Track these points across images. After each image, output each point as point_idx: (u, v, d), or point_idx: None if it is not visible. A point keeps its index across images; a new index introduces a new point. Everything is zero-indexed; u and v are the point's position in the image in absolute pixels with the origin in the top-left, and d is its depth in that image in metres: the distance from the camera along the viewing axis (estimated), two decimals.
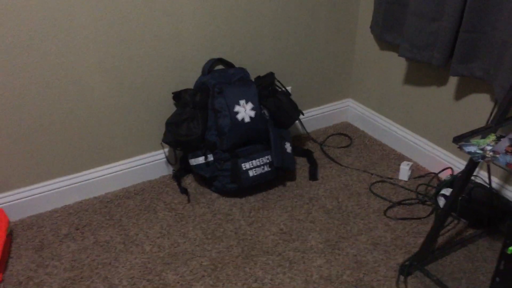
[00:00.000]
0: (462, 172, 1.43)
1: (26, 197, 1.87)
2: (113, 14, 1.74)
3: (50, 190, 1.91)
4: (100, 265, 1.67)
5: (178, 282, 1.59)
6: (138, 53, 1.85)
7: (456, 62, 1.77)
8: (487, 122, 1.74)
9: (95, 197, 2.00)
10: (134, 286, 1.58)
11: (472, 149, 1.31)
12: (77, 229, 1.83)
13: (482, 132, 1.39)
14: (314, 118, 2.46)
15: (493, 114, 1.68)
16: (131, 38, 1.81)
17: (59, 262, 1.68)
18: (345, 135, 2.46)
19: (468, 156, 1.36)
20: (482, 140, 1.35)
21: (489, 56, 1.71)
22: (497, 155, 1.28)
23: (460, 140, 1.35)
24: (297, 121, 2.21)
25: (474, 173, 1.85)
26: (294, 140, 2.34)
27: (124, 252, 1.72)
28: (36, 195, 1.88)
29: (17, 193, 1.85)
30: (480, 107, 1.86)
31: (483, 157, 1.29)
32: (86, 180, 1.97)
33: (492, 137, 1.36)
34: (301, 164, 2.22)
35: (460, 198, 1.76)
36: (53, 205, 1.94)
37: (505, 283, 1.26)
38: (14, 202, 1.85)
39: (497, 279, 1.27)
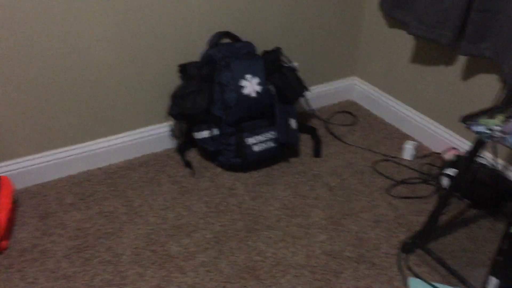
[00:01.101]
0: (468, 151, 1.43)
1: (31, 166, 1.87)
2: None
3: (55, 159, 1.91)
4: (104, 234, 1.68)
5: (181, 254, 1.61)
6: (145, 24, 1.83)
7: (466, 41, 1.76)
8: (494, 102, 1.73)
9: (99, 168, 2.01)
10: (138, 256, 1.60)
11: (481, 128, 1.31)
12: (81, 199, 1.84)
13: (491, 112, 1.38)
14: (319, 95, 2.45)
15: (501, 95, 1.67)
16: (138, 8, 1.79)
17: (64, 230, 1.69)
18: (350, 113, 2.45)
19: (475, 137, 1.35)
20: (490, 120, 1.35)
21: (499, 37, 1.69)
22: (506, 136, 1.28)
23: (468, 119, 1.35)
24: (302, 98, 2.20)
25: (479, 154, 1.85)
26: (298, 117, 2.33)
27: (128, 223, 1.73)
28: (41, 164, 1.89)
29: (22, 162, 1.86)
30: (487, 88, 1.85)
31: (491, 137, 1.29)
32: (90, 151, 1.97)
33: (501, 117, 1.36)
34: (305, 141, 2.21)
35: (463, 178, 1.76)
36: (58, 175, 1.94)
37: (508, 262, 1.28)
38: (19, 170, 1.85)
39: (500, 258, 1.28)
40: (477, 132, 1.30)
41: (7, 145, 1.81)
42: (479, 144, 1.39)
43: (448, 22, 1.80)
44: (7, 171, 1.84)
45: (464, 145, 2.00)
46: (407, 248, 1.61)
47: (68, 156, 1.93)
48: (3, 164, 1.83)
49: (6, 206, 1.64)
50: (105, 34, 1.78)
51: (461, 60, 1.92)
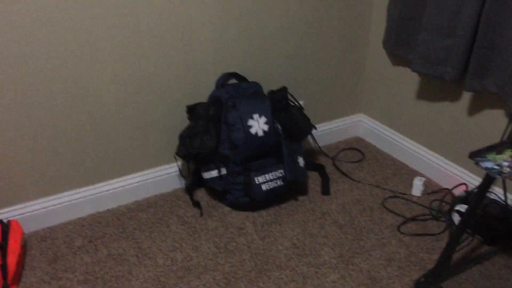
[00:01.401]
0: (478, 187, 1.42)
1: (40, 209, 1.88)
2: (128, 28, 1.76)
3: (64, 202, 1.92)
4: (113, 278, 1.67)
5: None
6: (153, 66, 1.87)
7: (470, 77, 1.77)
8: (502, 137, 1.73)
9: (108, 210, 2.01)
10: None
11: (489, 164, 1.31)
12: (90, 242, 1.83)
13: (498, 147, 1.38)
14: (326, 132, 2.46)
15: (508, 130, 1.67)
16: (145, 51, 1.83)
17: (73, 274, 1.68)
18: (357, 149, 2.46)
19: (483, 172, 1.35)
20: (498, 156, 1.35)
21: (504, 72, 1.71)
22: None
23: (477, 155, 1.35)
24: (309, 136, 2.21)
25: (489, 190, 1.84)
26: (306, 154, 2.34)
27: (137, 265, 1.72)
28: (49, 207, 1.89)
29: (31, 205, 1.87)
30: (494, 123, 1.85)
31: (500, 173, 1.28)
32: (99, 193, 1.98)
33: (509, 153, 1.36)
34: (313, 178, 2.21)
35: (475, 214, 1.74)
36: (67, 218, 1.94)
37: None
38: (28, 214, 1.86)
39: None
40: (486, 168, 1.30)
41: (16, 189, 1.82)
42: (488, 179, 1.39)
43: (451, 59, 1.83)
44: (16, 215, 1.84)
45: (473, 180, 1.99)
46: (420, 287, 1.58)
47: (76, 199, 1.94)
48: (12, 208, 1.84)
49: (15, 250, 1.64)
50: (114, 77, 1.82)
51: (467, 95, 1.93)
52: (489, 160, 1.33)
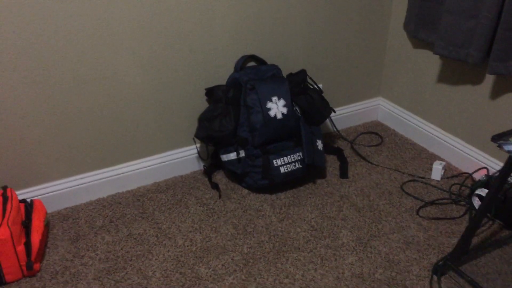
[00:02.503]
0: (500, 171, 1.41)
1: (62, 189, 1.91)
2: (149, 11, 1.77)
3: (85, 183, 1.95)
4: (134, 257, 1.70)
5: (210, 276, 1.61)
6: (172, 50, 1.88)
7: (493, 60, 1.74)
8: None
9: (128, 191, 2.04)
10: (167, 278, 1.60)
11: None
12: (111, 222, 1.86)
13: None
14: (344, 116, 2.45)
15: None
16: (166, 34, 1.84)
17: (94, 253, 1.72)
18: (376, 133, 2.44)
19: (505, 156, 1.33)
20: None
21: None
22: None
23: (499, 138, 1.33)
24: (327, 119, 2.21)
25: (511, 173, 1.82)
26: (324, 138, 2.34)
27: (157, 245, 1.74)
28: (72, 188, 1.93)
29: (54, 185, 1.90)
30: None
31: None
32: (119, 174, 2.00)
33: None
34: (332, 162, 2.21)
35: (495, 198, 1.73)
36: (88, 198, 1.98)
37: None
38: (51, 193, 1.90)
39: None
40: (509, 151, 1.28)
41: (40, 170, 1.85)
42: (510, 163, 1.37)
43: (475, 41, 1.80)
44: (40, 195, 1.88)
45: (494, 164, 1.96)
46: (439, 270, 1.58)
47: (97, 180, 1.97)
48: (36, 187, 1.88)
49: (39, 229, 1.68)
50: (135, 60, 1.83)
51: (489, 79, 1.90)
52: None
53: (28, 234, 1.64)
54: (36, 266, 1.63)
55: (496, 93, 1.90)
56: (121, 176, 2.01)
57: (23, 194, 1.86)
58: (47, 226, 1.82)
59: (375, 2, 2.23)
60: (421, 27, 2.06)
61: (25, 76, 1.67)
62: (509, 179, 1.85)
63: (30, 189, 1.87)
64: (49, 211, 1.92)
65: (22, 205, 1.72)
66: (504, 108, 1.87)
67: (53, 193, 1.90)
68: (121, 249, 1.73)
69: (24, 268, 1.60)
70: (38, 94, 1.72)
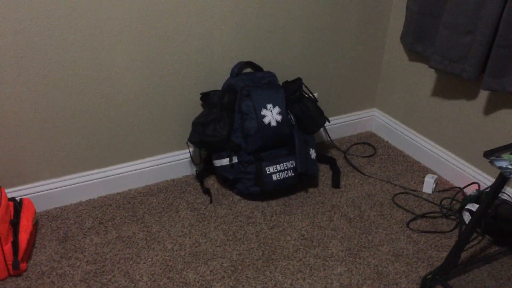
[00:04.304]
0: (490, 187, 1.41)
1: (52, 189, 1.90)
2: (146, 14, 1.76)
3: (76, 184, 1.94)
4: (122, 259, 1.68)
5: (198, 282, 1.60)
6: (169, 53, 1.87)
7: (488, 76, 1.76)
8: None
9: (118, 193, 2.03)
10: (154, 283, 1.59)
11: (504, 164, 1.30)
12: (100, 223, 1.85)
13: None
14: (339, 126, 2.46)
15: None
16: (162, 38, 1.83)
17: (82, 254, 1.70)
18: (369, 144, 2.45)
19: (497, 172, 1.34)
20: None
21: None
22: None
23: (491, 154, 1.34)
24: (321, 128, 2.21)
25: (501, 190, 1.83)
26: (318, 147, 2.34)
27: (146, 249, 1.73)
28: (62, 188, 1.92)
29: (44, 185, 1.89)
30: (510, 123, 1.83)
31: None
32: (110, 176, 1.99)
33: None
34: (324, 171, 2.21)
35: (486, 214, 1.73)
36: (78, 198, 1.97)
37: None
38: (41, 193, 1.88)
39: None
40: (500, 168, 1.29)
41: (30, 169, 1.84)
42: (502, 179, 1.37)
43: (470, 57, 1.81)
44: (29, 194, 1.86)
45: (485, 180, 1.97)
46: (427, 284, 1.58)
47: (88, 181, 1.96)
48: (25, 186, 1.86)
49: (27, 228, 1.66)
50: (130, 63, 1.82)
51: (483, 94, 1.91)
52: (503, 160, 1.32)
53: (16, 233, 1.62)
54: (23, 265, 1.62)
55: (489, 109, 1.91)
56: (112, 177, 2.00)
57: (12, 192, 1.84)
58: (35, 225, 1.81)
59: (373, 14, 2.24)
60: (418, 41, 2.07)
61: (18, 75, 1.66)
62: (499, 195, 1.86)
63: (20, 187, 1.85)
64: (38, 210, 1.90)
65: (11, 204, 1.71)
66: (497, 124, 1.88)
67: (43, 192, 1.89)
68: (109, 251, 1.72)
69: (10, 267, 1.59)
70: (31, 93, 1.71)
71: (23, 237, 1.62)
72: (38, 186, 1.88)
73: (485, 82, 1.77)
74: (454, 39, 1.84)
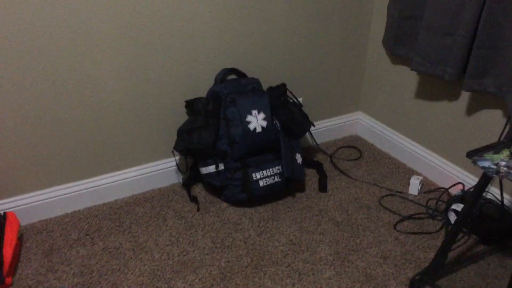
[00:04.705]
0: (475, 187, 1.43)
1: (36, 202, 1.87)
2: (129, 23, 1.76)
3: (60, 195, 1.91)
4: (109, 271, 1.67)
5: None
6: (152, 61, 1.87)
7: (469, 77, 1.78)
8: (499, 137, 1.74)
9: (104, 203, 2.01)
10: None
11: (486, 164, 1.31)
12: (86, 235, 1.83)
13: (496, 147, 1.39)
14: (324, 130, 2.47)
15: (505, 130, 1.68)
16: (145, 46, 1.83)
17: (68, 267, 1.68)
18: (355, 148, 2.46)
19: (480, 172, 1.36)
20: (495, 156, 1.35)
21: (502, 72, 1.71)
22: (511, 171, 1.28)
23: (474, 154, 1.35)
24: (307, 133, 2.22)
25: (485, 189, 1.85)
26: (304, 152, 2.34)
27: (133, 259, 1.72)
28: (46, 200, 1.89)
29: (28, 197, 1.86)
30: (492, 123, 1.86)
31: (497, 172, 1.29)
32: (96, 186, 1.97)
33: (506, 152, 1.36)
34: (311, 175, 2.22)
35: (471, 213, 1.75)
36: (63, 210, 1.94)
37: None
38: (24, 206, 1.86)
39: None
40: (483, 168, 1.30)
41: (13, 181, 1.82)
42: (485, 179, 1.39)
43: (451, 58, 1.83)
44: (13, 207, 1.84)
45: (470, 180, 1.99)
46: (415, 285, 1.58)
47: (73, 192, 1.93)
48: (9, 200, 1.83)
49: (11, 242, 1.64)
50: (114, 71, 1.81)
51: (465, 95, 1.94)
52: (486, 160, 1.33)
53: (0, 247, 1.60)
54: (8, 280, 1.59)
55: (471, 109, 1.93)
56: (98, 188, 1.98)
57: None
58: (20, 239, 1.78)
59: (354, 18, 2.26)
60: (399, 44, 2.09)
61: (0, 85, 1.64)
62: (484, 194, 1.88)
63: (3, 201, 1.83)
64: (22, 223, 1.88)
65: None
66: (480, 124, 1.91)
67: (27, 205, 1.86)
68: (96, 263, 1.70)
69: None
70: (13, 102, 1.69)
71: (8, 251, 1.60)
72: (22, 199, 1.85)
73: (466, 83, 1.79)
74: (434, 41, 1.87)
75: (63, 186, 1.92)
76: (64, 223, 1.89)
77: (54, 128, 1.80)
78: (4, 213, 1.74)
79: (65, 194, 1.92)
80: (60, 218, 1.92)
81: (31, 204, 1.87)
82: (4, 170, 1.78)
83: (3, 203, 1.82)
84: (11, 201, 1.84)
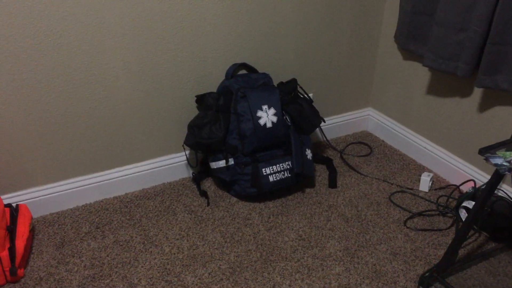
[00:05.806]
0: (486, 184, 1.42)
1: (48, 194, 1.89)
2: (140, 17, 1.76)
3: (72, 189, 1.93)
4: (119, 264, 1.68)
5: (196, 285, 1.60)
6: (163, 56, 1.87)
7: (481, 73, 1.76)
8: None
9: (115, 197, 2.02)
10: (152, 286, 1.59)
11: (499, 161, 1.30)
12: (97, 228, 1.85)
13: (508, 144, 1.38)
14: (334, 126, 2.46)
15: None
16: (156, 41, 1.83)
17: (80, 259, 1.70)
18: (365, 144, 2.45)
19: (493, 169, 1.34)
20: (508, 153, 1.34)
21: None
22: None
23: (486, 151, 1.34)
24: (317, 128, 2.21)
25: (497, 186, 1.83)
26: (314, 147, 2.34)
27: (144, 252, 1.73)
28: (58, 193, 1.91)
29: (40, 190, 1.88)
30: (505, 120, 1.84)
31: (510, 169, 1.28)
32: (107, 180, 1.99)
33: None
34: (321, 171, 2.21)
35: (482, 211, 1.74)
36: (75, 203, 1.96)
37: None
38: (37, 198, 1.88)
39: None
40: (495, 165, 1.29)
41: (26, 174, 1.83)
42: (497, 176, 1.38)
43: (463, 54, 1.81)
44: (25, 200, 1.86)
45: (481, 177, 1.98)
46: (425, 282, 1.58)
47: (84, 185, 1.95)
48: (21, 192, 1.85)
49: (24, 234, 1.66)
50: (125, 66, 1.82)
51: (478, 92, 1.92)
52: (498, 157, 1.32)
53: (12, 239, 1.62)
54: (20, 272, 1.61)
55: (484, 106, 1.91)
56: (109, 182, 1.99)
57: (8, 198, 1.84)
58: (32, 231, 1.80)
59: (366, 13, 2.24)
60: (411, 39, 2.08)
61: (13, 80, 1.66)
62: (495, 192, 1.87)
63: (16, 193, 1.85)
64: (34, 216, 1.90)
65: (7, 210, 1.70)
66: (492, 121, 1.89)
67: (39, 198, 1.88)
68: (107, 256, 1.72)
69: (7, 273, 1.58)
70: (26, 98, 1.70)
71: (20, 243, 1.62)
72: (34, 192, 1.87)
73: (479, 80, 1.78)
74: (447, 37, 1.85)
75: (75, 179, 1.93)
76: (75, 216, 1.91)
77: (67, 123, 1.81)
78: (17, 205, 1.76)
79: (77, 187, 1.94)
80: (71, 211, 1.94)
81: (43, 197, 1.89)
82: (17, 164, 1.80)
83: (16, 196, 1.85)
84: (24, 194, 1.86)
